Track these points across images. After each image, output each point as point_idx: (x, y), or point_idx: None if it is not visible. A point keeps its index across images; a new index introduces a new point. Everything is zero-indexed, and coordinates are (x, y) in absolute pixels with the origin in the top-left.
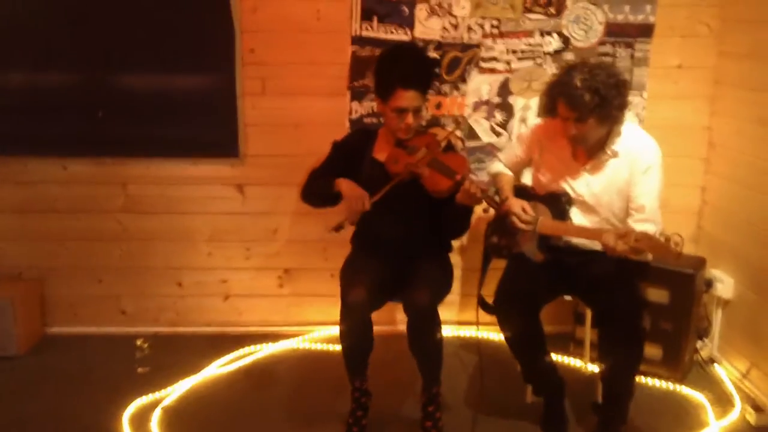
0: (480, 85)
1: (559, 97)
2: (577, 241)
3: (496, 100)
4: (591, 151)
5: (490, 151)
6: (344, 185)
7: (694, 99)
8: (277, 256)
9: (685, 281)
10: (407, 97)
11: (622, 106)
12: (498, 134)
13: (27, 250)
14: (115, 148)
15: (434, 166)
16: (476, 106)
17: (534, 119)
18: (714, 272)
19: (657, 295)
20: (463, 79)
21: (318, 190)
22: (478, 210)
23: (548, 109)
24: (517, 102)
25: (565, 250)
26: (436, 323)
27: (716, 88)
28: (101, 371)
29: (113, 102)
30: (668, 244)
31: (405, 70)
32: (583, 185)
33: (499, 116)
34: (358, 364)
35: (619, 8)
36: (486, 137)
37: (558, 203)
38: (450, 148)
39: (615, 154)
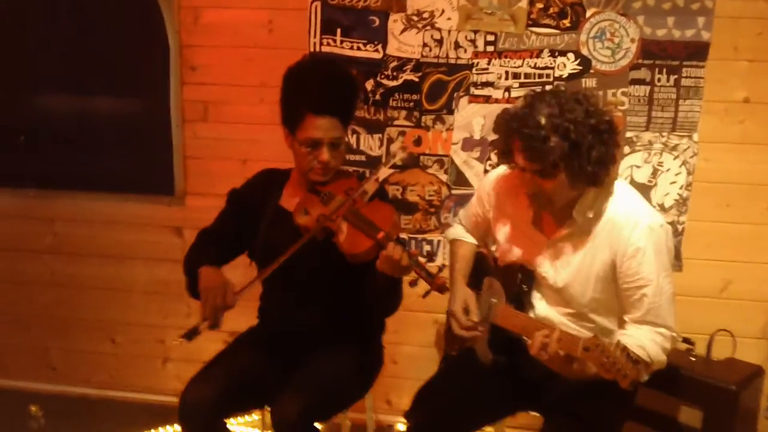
0: (471, 118)
1: (515, 140)
2: None
3: (492, 136)
4: (559, 217)
5: None
6: (203, 275)
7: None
8: (231, 318)
9: (725, 399)
10: (320, 126)
11: (604, 159)
12: None
13: None
14: (40, 178)
15: (352, 219)
16: (466, 144)
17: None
18: None
19: (687, 416)
20: (450, 110)
21: (188, 279)
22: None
23: (503, 153)
24: None
25: (524, 351)
26: None
27: None
28: None
29: (36, 127)
30: (616, 366)
31: (317, 90)
32: (546, 264)
33: (495, 157)
34: None
35: (660, 20)
36: (478, 184)
37: (512, 282)
38: (380, 194)
39: (588, 227)
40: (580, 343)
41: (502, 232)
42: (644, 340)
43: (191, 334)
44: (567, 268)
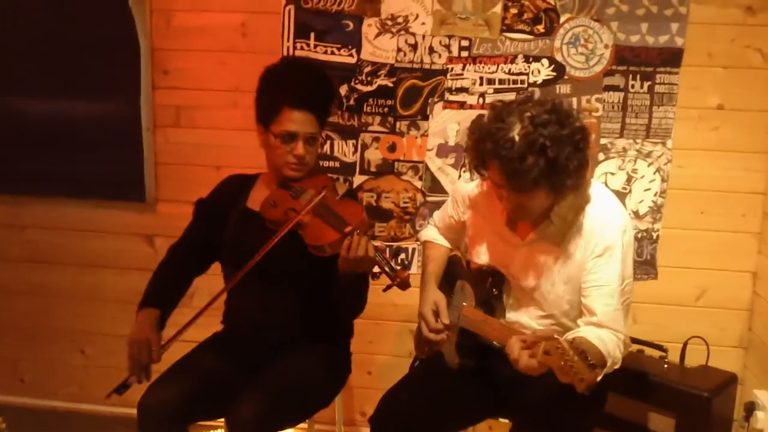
0: (446, 124)
1: (489, 157)
2: None
3: (467, 142)
4: (534, 219)
5: None
6: (136, 322)
7: (742, 153)
8: (194, 327)
9: (698, 406)
10: (296, 120)
11: (582, 166)
12: None
13: None
14: (10, 183)
15: (321, 212)
16: (441, 150)
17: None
18: (759, 394)
19: (660, 423)
20: (424, 115)
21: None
22: None
23: (477, 166)
24: None
25: (493, 355)
26: None
27: None
28: None
29: (5, 132)
30: (574, 370)
31: (294, 85)
32: (519, 266)
33: (469, 166)
34: None
35: (633, 26)
36: (453, 186)
37: (482, 285)
38: (350, 195)
39: (563, 228)
40: (541, 346)
41: (476, 233)
42: (602, 335)
43: (121, 389)
44: (539, 269)
